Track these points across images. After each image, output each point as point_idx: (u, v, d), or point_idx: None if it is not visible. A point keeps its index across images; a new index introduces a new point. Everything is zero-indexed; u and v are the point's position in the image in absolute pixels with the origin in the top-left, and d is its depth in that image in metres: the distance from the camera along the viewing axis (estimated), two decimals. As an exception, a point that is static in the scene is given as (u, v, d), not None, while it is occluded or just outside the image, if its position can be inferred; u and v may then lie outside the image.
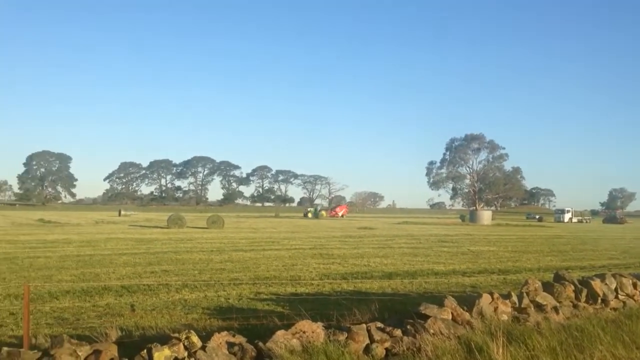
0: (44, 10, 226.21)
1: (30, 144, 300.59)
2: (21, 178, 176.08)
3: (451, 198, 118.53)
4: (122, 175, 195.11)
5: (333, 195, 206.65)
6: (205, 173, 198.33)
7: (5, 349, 5.22)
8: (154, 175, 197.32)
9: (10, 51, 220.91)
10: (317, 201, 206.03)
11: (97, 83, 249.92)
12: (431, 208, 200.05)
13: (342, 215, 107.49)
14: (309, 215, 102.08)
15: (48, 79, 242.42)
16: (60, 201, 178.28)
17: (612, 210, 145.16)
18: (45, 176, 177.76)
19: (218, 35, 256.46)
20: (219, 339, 5.85)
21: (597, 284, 8.56)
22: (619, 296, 8.84)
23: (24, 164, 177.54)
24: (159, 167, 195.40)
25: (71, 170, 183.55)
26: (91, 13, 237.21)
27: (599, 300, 8.54)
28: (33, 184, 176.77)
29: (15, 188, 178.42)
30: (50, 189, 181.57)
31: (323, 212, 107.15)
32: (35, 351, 5.40)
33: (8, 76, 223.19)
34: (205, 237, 33.32)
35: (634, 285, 9.10)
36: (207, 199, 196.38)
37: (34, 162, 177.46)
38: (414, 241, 32.15)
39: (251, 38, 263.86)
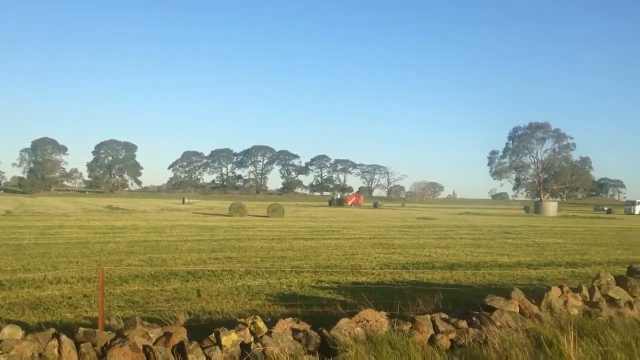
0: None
1: (99, 133, 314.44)
2: (90, 166, 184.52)
3: (514, 188, 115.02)
4: (185, 164, 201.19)
5: (392, 185, 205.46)
6: (264, 162, 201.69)
7: (81, 329, 5.48)
8: (215, 164, 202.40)
9: (78, 42, 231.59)
10: (376, 191, 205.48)
11: (161, 73, 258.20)
12: (493, 199, 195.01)
13: (352, 205, 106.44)
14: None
15: (114, 69, 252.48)
16: (127, 188, 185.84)
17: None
18: (113, 164, 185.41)
19: (278, 25, 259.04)
20: (284, 325, 5.95)
21: (675, 279, 8.13)
22: (700, 293, 8.35)
23: (92, 152, 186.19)
24: (220, 156, 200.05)
25: (137, 159, 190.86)
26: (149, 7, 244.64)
27: (678, 297, 8.11)
28: (101, 171, 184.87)
29: (85, 176, 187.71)
30: (117, 177, 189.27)
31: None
32: (110, 332, 5.64)
33: (77, 67, 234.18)
34: (266, 225, 33.88)
35: None
36: (266, 187, 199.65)
37: (102, 151, 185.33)
38: (476, 232, 31.51)
39: (311, 27, 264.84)
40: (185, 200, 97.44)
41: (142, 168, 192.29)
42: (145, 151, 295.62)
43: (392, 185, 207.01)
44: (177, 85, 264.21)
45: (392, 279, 12.92)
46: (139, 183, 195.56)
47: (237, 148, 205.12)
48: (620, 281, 8.13)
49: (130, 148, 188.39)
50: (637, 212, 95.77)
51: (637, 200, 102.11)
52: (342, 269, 14.29)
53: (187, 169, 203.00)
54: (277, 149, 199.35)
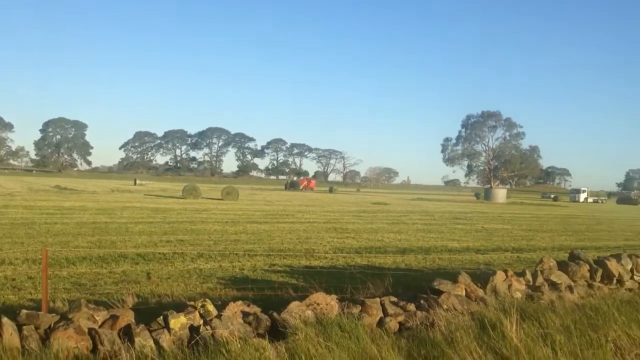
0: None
1: (47, 111, 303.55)
2: (38, 144, 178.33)
3: (466, 175, 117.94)
4: (137, 144, 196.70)
5: (348, 170, 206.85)
6: (220, 144, 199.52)
7: (24, 311, 5.32)
8: (169, 145, 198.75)
9: (25, 14, 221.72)
10: (332, 175, 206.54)
11: (113, 50, 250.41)
12: (446, 185, 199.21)
13: (303, 189, 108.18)
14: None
15: (64, 43, 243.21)
16: (76, 168, 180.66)
17: (627, 191, 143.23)
18: (61, 143, 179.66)
19: (237, 3, 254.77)
20: (234, 308, 5.93)
21: (612, 264, 8.50)
22: (635, 277, 8.78)
23: (40, 130, 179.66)
24: (174, 137, 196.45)
25: (87, 138, 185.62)
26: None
27: (614, 281, 8.50)
28: (49, 150, 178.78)
29: (32, 154, 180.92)
30: (66, 156, 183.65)
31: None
32: (54, 314, 5.50)
33: (24, 40, 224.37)
34: (220, 208, 33.57)
35: (651, 267, 9.04)
36: (221, 170, 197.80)
37: (50, 129, 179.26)
38: (428, 217, 32.13)
39: (271, 8, 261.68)
40: (137, 182, 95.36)
41: (92, 148, 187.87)
42: (96, 130, 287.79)
43: (347, 170, 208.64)
44: (129, 63, 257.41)
45: (345, 263, 13.05)
46: (89, 163, 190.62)
47: (192, 129, 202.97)
48: (562, 266, 8.45)
49: (80, 127, 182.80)
50: (581, 200, 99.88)
51: (582, 189, 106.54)
52: (296, 253, 14.33)
53: (139, 149, 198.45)
54: (232, 132, 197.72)
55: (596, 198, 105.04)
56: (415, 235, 20.69)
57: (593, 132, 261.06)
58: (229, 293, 8.88)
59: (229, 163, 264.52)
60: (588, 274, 8.39)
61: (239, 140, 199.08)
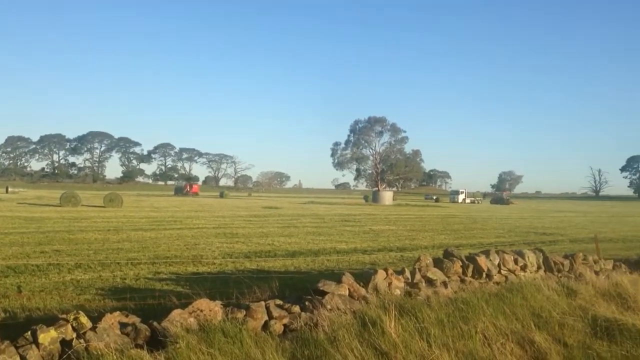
0: None
1: None
2: None
3: (355, 179, 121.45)
4: (9, 149, 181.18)
5: (239, 175, 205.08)
6: (102, 149, 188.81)
7: None
8: (45, 151, 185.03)
9: None
10: (223, 180, 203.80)
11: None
12: (336, 188, 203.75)
13: (186, 193, 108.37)
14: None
15: None
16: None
17: (499, 192, 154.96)
18: None
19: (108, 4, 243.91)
20: (111, 320, 5.65)
21: (482, 260, 9.15)
22: (502, 271, 9.51)
23: None
24: (51, 142, 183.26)
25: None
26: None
27: (484, 275, 9.14)
28: None
29: None
30: None
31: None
32: None
33: None
34: (102, 216, 31.90)
35: (515, 261, 9.82)
36: (104, 176, 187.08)
37: None
38: (319, 220, 32.68)
39: (158, 9, 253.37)
40: (9, 189, 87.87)
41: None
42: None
43: (239, 175, 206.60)
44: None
45: (234, 268, 12.92)
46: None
47: (71, 134, 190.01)
48: (438, 263, 8.96)
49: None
50: (460, 201, 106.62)
51: (460, 190, 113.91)
52: (183, 260, 13.96)
53: (11, 155, 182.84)
54: (116, 136, 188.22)
55: (473, 199, 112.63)
56: (305, 238, 20.96)
57: (469, 137, 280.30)
58: (108, 304, 8.47)
59: (113, 169, 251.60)
60: (461, 270, 8.95)
61: (124, 145, 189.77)
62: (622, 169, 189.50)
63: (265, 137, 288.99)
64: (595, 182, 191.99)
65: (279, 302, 6.75)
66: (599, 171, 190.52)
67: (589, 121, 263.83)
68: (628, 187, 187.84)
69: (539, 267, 10.17)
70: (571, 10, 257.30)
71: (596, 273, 10.61)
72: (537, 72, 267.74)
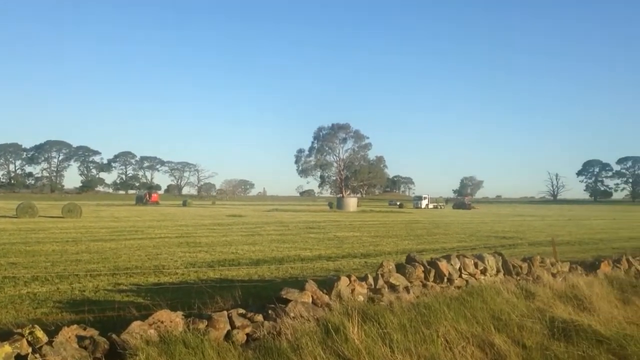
0: None
1: None
2: None
3: (319, 186, 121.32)
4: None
5: (202, 183, 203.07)
6: (60, 158, 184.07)
7: None
8: (1, 161, 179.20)
9: None
10: (186, 189, 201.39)
11: None
12: (301, 195, 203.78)
13: (145, 202, 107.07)
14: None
15: None
16: None
17: (461, 197, 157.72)
18: None
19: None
20: (68, 333, 5.51)
21: (443, 265, 9.28)
22: (463, 275, 9.66)
23: None
24: (6, 151, 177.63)
25: None
26: None
27: (445, 280, 9.27)
28: None
29: None
30: None
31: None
32: None
33: None
34: (60, 226, 31.05)
35: (476, 265, 10.00)
36: (63, 186, 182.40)
37: None
38: (283, 228, 32.58)
39: (116, 14, 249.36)
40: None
41: None
42: None
43: (202, 183, 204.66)
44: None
45: (197, 277, 12.74)
46: None
47: (28, 143, 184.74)
48: (400, 269, 9.04)
49: None
50: (423, 206, 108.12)
51: (424, 195, 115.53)
52: (144, 270, 13.70)
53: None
54: (75, 144, 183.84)
55: (436, 204, 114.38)
56: (270, 246, 20.86)
57: (432, 143, 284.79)
58: (66, 317, 8.22)
59: (72, 178, 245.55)
60: (423, 275, 9.06)
61: (82, 154, 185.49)
62: (578, 173, 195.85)
63: (229, 145, 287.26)
64: (553, 186, 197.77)
65: (241, 311, 6.70)
66: (557, 176, 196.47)
67: (547, 127, 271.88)
68: (584, 190, 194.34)
69: (498, 271, 10.37)
70: (522, 16, 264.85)
71: (553, 275, 10.88)
72: (497, 78, 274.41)
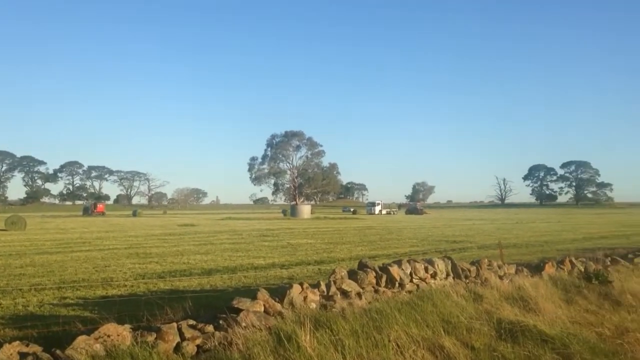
0: None
1: None
2: None
3: (273, 193, 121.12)
4: None
5: (153, 192, 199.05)
6: (3, 169, 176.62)
7: None
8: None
9: None
10: (136, 198, 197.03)
11: None
12: (255, 203, 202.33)
13: (91, 212, 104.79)
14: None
15: None
16: None
17: (414, 202, 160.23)
18: None
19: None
20: (10, 350, 5.30)
21: (395, 270, 9.41)
22: (414, 280, 9.82)
23: None
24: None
25: None
26: None
27: (397, 285, 9.40)
28: None
29: None
30: None
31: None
32: None
33: None
34: (3, 240, 29.81)
35: (426, 269, 10.18)
36: (6, 197, 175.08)
37: None
38: (236, 236, 32.28)
39: (52, 19, 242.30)
40: None
41: None
42: None
43: (153, 192, 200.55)
44: None
45: (147, 289, 12.46)
46: None
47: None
48: (352, 275, 9.11)
49: None
50: (376, 212, 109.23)
51: (377, 202, 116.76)
52: (91, 283, 13.29)
53: None
54: (18, 155, 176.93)
55: (389, 210, 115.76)
56: (223, 255, 20.62)
57: (384, 150, 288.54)
58: (9, 334, 7.91)
59: (16, 189, 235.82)
60: (374, 280, 9.16)
61: (27, 164, 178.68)
62: (525, 178, 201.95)
63: (180, 153, 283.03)
64: (500, 190, 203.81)
65: (191, 322, 6.60)
66: (504, 180, 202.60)
67: (494, 132, 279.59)
68: (530, 194, 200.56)
69: (448, 274, 10.59)
70: (466, 19, 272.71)
71: (500, 278, 11.19)
72: (443, 85, 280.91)
